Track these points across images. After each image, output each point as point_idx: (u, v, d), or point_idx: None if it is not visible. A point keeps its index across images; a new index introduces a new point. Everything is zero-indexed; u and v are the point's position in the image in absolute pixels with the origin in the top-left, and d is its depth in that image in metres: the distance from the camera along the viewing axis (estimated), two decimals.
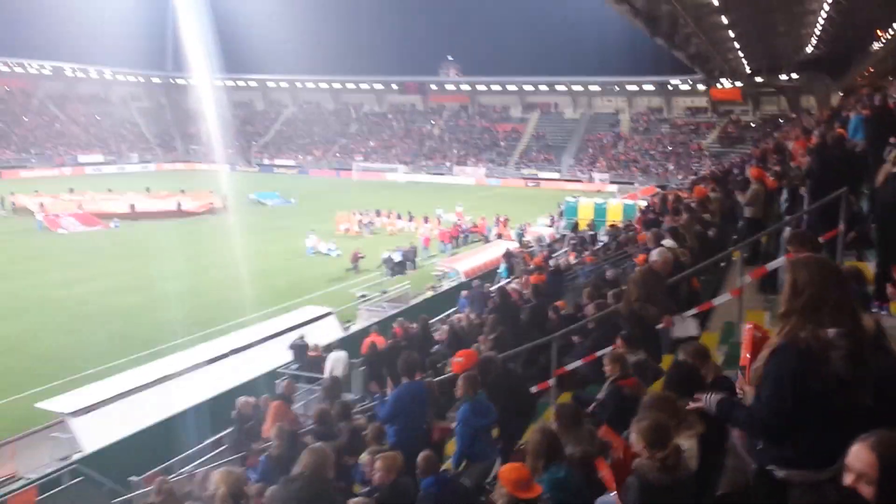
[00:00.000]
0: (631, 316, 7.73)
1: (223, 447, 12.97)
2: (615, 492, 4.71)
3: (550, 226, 42.01)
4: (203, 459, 12.45)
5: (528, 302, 13.63)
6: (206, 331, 22.32)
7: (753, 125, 78.14)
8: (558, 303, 12.90)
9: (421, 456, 6.24)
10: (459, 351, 8.58)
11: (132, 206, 48.98)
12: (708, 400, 3.83)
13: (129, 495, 10.95)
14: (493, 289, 17.24)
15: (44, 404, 15.01)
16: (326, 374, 15.33)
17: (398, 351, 11.95)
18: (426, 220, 44.87)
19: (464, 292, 18.94)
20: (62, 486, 11.73)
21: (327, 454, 5.49)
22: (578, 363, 8.99)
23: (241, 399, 12.93)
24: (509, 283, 20.05)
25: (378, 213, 47.80)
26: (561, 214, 43.55)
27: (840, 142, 10.12)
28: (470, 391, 6.90)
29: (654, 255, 7.98)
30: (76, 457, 13.40)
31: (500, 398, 7.09)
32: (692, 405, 4.13)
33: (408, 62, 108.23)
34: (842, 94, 46.85)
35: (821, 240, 8.87)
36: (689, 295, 10.71)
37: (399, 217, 46.79)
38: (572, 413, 5.74)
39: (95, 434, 13.80)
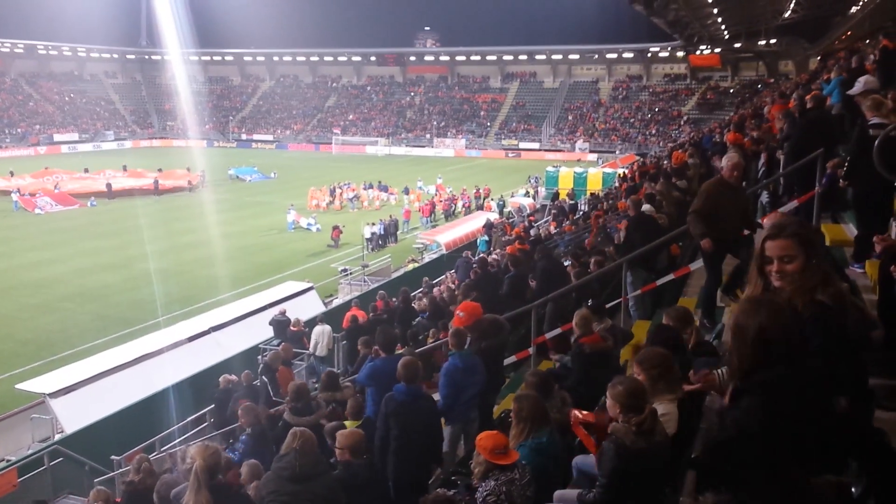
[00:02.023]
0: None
1: (204, 424, 12.95)
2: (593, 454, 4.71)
3: (527, 196, 42.01)
4: (185, 437, 12.41)
5: (507, 272, 13.60)
6: (186, 309, 22.22)
7: (732, 91, 78.16)
8: None
9: (402, 361, 6.22)
10: (462, 304, 8.46)
11: (109, 185, 48.33)
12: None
13: (110, 474, 10.89)
14: (474, 259, 17.26)
15: (24, 385, 14.89)
16: (311, 348, 15.33)
17: (379, 324, 11.95)
18: (407, 192, 44.69)
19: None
20: (44, 467, 11.65)
21: (310, 436, 5.41)
22: (558, 331, 9.00)
23: (224, 377, 12.95)
24: (489, 254, 20.10)
25: (370, 186, 47.55)
26: (528, 192, 43.61)
27: (818, 104, 10.06)
28: (455, 344, 6.83)
29: (724, 160, 7.27)
30: (57, 437, 13.33)
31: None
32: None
33: (385, 33, 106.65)
34: (819, 59, 46.81)
35: (796, 202, 8.95)
36: (669, 260, 10.79)
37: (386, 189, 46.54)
38: (543, 381, 5.73)
39: (76, 414, 13.72)
